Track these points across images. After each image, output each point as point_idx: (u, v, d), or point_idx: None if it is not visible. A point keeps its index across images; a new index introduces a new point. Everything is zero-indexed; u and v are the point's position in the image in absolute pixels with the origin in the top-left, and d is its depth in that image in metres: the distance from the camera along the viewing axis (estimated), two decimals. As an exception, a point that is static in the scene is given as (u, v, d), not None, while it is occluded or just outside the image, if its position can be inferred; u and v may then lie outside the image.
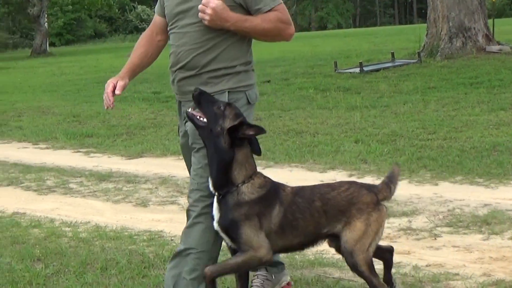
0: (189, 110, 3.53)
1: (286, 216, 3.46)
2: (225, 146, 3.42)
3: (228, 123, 3.41)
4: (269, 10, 3.57)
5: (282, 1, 3.65)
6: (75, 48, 43.28)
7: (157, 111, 12.91)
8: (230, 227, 3.44)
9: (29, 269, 4.90)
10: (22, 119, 13.00)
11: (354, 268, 3.55)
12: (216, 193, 3.49)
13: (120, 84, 3.81)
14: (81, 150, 10.00)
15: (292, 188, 3.60)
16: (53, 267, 4.98)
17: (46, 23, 35.26)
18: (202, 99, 3.48)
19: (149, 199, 7.11)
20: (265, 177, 3.56)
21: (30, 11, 34.96)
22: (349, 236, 3.49)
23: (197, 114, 3.48)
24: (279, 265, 4.14)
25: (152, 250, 5.36)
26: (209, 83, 3.64)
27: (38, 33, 34.86)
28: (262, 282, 4.09)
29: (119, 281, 4.66)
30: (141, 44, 3.97)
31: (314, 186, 3.78)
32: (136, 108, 13.18)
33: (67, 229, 6.14)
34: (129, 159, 9.21)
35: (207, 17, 3.49)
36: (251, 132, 3.46)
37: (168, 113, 12.48)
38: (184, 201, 6.87)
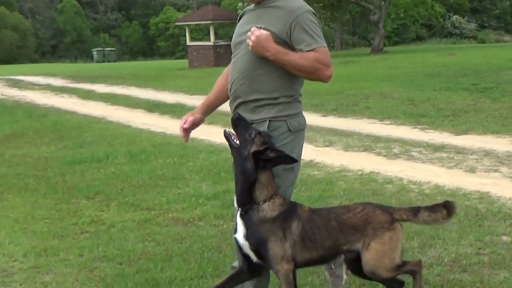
0: (228, 130, 3.40)
1: (305, 229, 3.29)
2: (250, 168, 3.27)
3: (253, 148, 3.25)
4: (310, 50, 3.32)
5: (325, 45, 3.37)
6: (402, 48, 43.95)
7: (476, 98, 12.96)
8: (260, 244, 3.27)
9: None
10: (369, 101, 13.74)
11: (381, 281, 3.52)
12: (240, 209, 3.35)
13: (190, 119, 3.69)
14: (417, 126, 10.58)
15: (310, 207, 3.44)
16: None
17: (382, 27, 36.71)
18: (238, 124, 3.35)
19: (476, 167, 7.53)
20: (284, 197, 3.38)
21: (371, 17, 36.74)
22: (368, 257, 3.32)
23: (233, 135, 3.37)
24: None
25: (483, 206, 5.84)
26: (253, 111, 3.45)
27: (377, 35, 36.45)
28: (330, 273, 4.08)
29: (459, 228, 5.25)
30: (219, 80, 3.79)
31: (331, 207, 3.74)
32: (459, 96, 13.37)
33: (413, 186, 6.74)
34: (456, 135, 9.65)
35: (250, 43, 3.33)
36: (272, 155, 3.26)
37: (486, 101, 12.59)
38: (505, 170, 7.29)
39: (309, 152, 8.31)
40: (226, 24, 36.54)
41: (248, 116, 3.42)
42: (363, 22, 51.30)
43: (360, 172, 7.50)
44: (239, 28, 3.56)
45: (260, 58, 3.36)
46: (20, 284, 4.54)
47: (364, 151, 8.87)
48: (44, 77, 20.61)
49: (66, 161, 8.66)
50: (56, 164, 8.55)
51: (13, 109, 14.13)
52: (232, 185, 6.77)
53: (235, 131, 3.36)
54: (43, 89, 18.00)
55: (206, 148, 9.37)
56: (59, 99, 16.36)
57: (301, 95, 3.58)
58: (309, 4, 3.52)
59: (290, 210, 3.32)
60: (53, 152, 9.47)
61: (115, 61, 48.51)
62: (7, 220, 6.06)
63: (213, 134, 9.98)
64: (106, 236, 5.43)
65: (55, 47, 65.30)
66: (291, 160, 3.36)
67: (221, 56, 30.10)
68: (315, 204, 5.88)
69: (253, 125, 3.38)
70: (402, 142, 9.26)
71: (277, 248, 3.24)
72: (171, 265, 4.67)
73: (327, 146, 9.31)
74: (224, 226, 5.63)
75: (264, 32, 3.31)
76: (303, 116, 3.59)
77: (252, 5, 3.57)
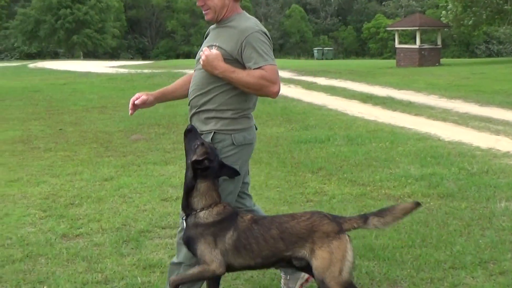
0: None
1: (240, 240, 3.02)
2: (189, 176, 3.14)
3: (193, 158, 3.10)
4: (258, 68, 3.13)
5: (273, 63, 3.17)
6: None
7: None
8: (188, 242, 3.11)
9: None
10: None
11: None
12: (184, 213, 3.19)
13: (143, 97, 3.47)
14: None
15: (253, 216, 3.14)
16: None
17: None
18: (188, 135, 3.23)
19: None
20: (226, 207, 3.14)
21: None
22: (315, 264, 2.95)
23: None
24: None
25: None
26: (204, 122, 3.30)
27: None
28: (283, 283, 3.74)
29: None
30: (182, 78, 3.67)
31: (276, 215, 3.30)
32: None
33: None
34: None
35: (201, 62, 3.23)
36: (208, 164, 3.09)
37: None
38: None
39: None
40: (430, 31, 36.04)
41: (199, 125, 3.31)
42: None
43: None
44: (203, 44, 3.39)
45: (213, 75, 3.23)
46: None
47: None
48: (275, 70, 21.70)
49: (293, 140, 9.03)
50: (285, 142, 8.94)
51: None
52: (438, 169, 6.79)
53: (184, 142, 3.24)
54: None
55: (413, 136, 9.26)
56: (287, 88, 17.00)
57: (252, 111, 3.39)
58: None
59: (228, 220, 3.08)
60: (282, 132, 9.92)
61: (331, 59, 49.07)
62: (248, 186, 6.50)
63: (419, 124, 10.20)
64: (328, 206, 5.60)
65: (282, 45, 68.23)
66: (234, 173, 3.22)
67: (425, 57, 30.31)
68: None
69: (202, 136, 3.25)
70: None
71: (207, 250, 3.02)
72: (384, 234, 4.69)
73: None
74: (431, 203, 5.57)
75: (213, 52, 3.19)
76: (252, 131, 3.38)
77: (215, 24, 3.40)
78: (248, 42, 3.15)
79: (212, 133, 3.25)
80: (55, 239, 4.83)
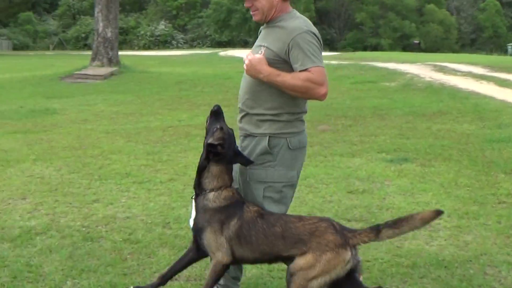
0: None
1: (242, 229, 3.03)
2: (202, 157, 3.17)
3: (209, 140, 3.12)
4: (304, 70, 3.03)
5: (320, 65, 3.06)
6: None
7: None
8: (197, 231, 3.13)
9: None
10: None
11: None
12: (194, 192, 3.21)
13: None
14: None
15: (260, 210, 3.10)
16: None
17: None
18: (213, 115, 3.22)
19: None
20: (234, 193, 3.15)
21: None
22: (297, 261, 2.90)
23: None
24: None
25: None
26: (256, 125, 3.23)
27: None
28: None
29: None
30: None
31: (286, 214, 3.21)
32: None
33: None
34: None
35: (245, 67, 3.17)
36: (221, 150, 3.09)
37: None
38: None
39: None
40: None
41: (251, 128, 3.26)
42: None
43: None
44: (255, 44, 3.35)
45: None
46: (445, 240, 4.66)
47: None
48: (465, 65, 20.40)
49: (485, 139, 8.50)
50: (476, 140, 8.46)
51: (439, 90, 14.38)
52: None
53: (208, 121, 3.25)
54: (464, 75, 17.84)
55: None
56: (478, 85, 16.01)
57: (305, 114, 3.31)
58: None
59: (235, 207, 3.10)
60: (473, 130, 9.38)
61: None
62: (434, 184, 6.26)
63: None
64: (524, 209, 5.22)
65: (474, 40, 64.51)
66: (247, 161, 3.19)
67: None
68: None
69: (256, 138, 3.23)
70: None
71: (213, 239, 3.06)
72: None
73: None
74: None
75: (257, 56, 3.15)
76: (305, 135, 3.33)
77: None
78: (295, 42, 3.08)
79: (267, 137, 3.20)
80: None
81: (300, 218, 3.07)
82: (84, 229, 4.92)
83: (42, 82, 17.69)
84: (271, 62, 3.13)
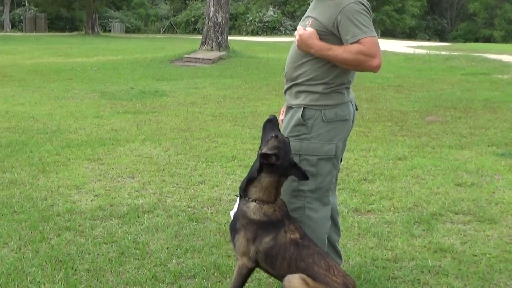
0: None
1: (272, 250, 3.02)
2: (255, 166, 3.09)
3: (264, 150, 3.05)
4: (355, 42, 2.96)
5: (372, 35, 2.98)
6: None
7: None
8: (233, 229, 3.15)
9: None
10: None
11: None
12: (239, 192, 3.18)
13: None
14: None
15: (297, 239, 3.02)
16: None
17: None
18: (267, 125, 3.17)
19: None
20: (276, 210, 3.08)
21: None
22: (296, 279, 2.87)
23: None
24: None
25: None
26: (295, 96, 3.23)
27: None
28: None
29: None
30: None
31: (321, 256, 3.00)
32: None
33: None
34: None
35: (296, 42, 3.16)
36: (272, 161, 3.01)
37: None
38: None
39: None
40: None
41: (290, 99, 3.26)
42: None
43: None
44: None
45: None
46: None
47: None
48: None
49: None
50: None
51: None
52: None
53: (263, 131, 3.19)
54: None
55: None
56: None
57: (347, 86, 3.21)
58: None
59: (272, 225, 3.05)
60: None
61: None
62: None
63: None
64: None
65: None
66: (302, 176, 3.08)
67: None
68: None
69: (292, 110, 3.22)
70: None
71: (243, 244, 3.08)
72: None
73: None
74: None
75: (307, 30, 3.10)
76: (346, 108, 3.21)
77: None
78: (344, 14, 3.01)
79: (302, 108, 3.16)
80: (347, 212, 5.00)
81: (329, 267, 2.95)
82: (189, 209, 5.03)
83: (152, 65, 18.35)
84: (318, 34, 3.10)
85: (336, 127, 3.18)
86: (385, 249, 4.21)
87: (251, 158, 6.78)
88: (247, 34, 49.75)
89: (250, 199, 3.11)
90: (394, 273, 3.82)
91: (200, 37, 22.13)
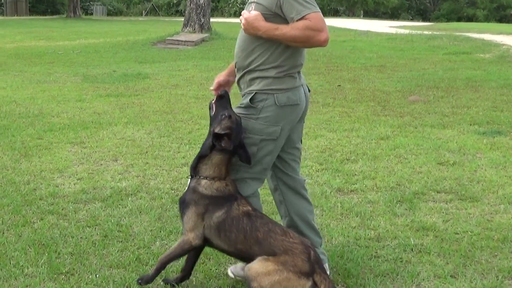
0: (213, 101, 3.26)
1: (224, 224, 3.05)
2: (207, 144, 3.16)
3: (217, 129, 3.09)
4: (301, 19, 2.98)
5: (316, 10, 3.01)
6: None
7: None
8: (182, 204, 3.17)
9: None
10: None
11: None
12: (189, 173, 3.21)
13: (231, 80, 3.48)
14: None
15: (249, 209, 3.08)
16: None
17: None
18: (219, 101, 3.21)
19: None
20: (228, 185, 3.13)
21: None
22: (255, 263, 2.89)
23: (213, 107, 3.23)
24: None
25: None
26: (249, 83, 3.21)
27: None
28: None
29: None
30: None
31: (273, 222, 3.11)
32: None
33: None
34: None
35: (242, 26, 3.15)
36: (223, 145, 3.08)
37: None
38: None
39: None
40: None
41: (244, 88, 3.24)
42: None
43: None
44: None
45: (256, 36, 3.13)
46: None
47: None
48: None
49: None
50: None
51: None
52: None
53: (215, 105, 3.22)
54: None
55: None
56: None
57: (299, 69, 3.23)
58: None
59: (224, 200, 3.09)
60: None
61: None
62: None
63: None
64: None
65: None
66: (246, 158, 3.13)
67: None
68: None
69: (243, 96, 3.22)
70: None
71: (191, 219, 3.09)
72: None
73: None
74: None
75: (252, 13, 3.10)
76: (298, 92, 3.22)
77: None
78: None
79: (253, 93, 3.16)
80: (330, 192, 5.01)
81: (285, 232, 3.02)
82: (173, 191, 5.01)
83: (135, 47, 18.17)
84: (263, 17, 3.10)
85: (285, 111, 3.20)
86: (368, 228, 4.23)
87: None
88: (230, 15, 49.40)
89: (201, 177, 3.15)
90: (376, 252, 3.85)
91: (183, 19, 21.93)
